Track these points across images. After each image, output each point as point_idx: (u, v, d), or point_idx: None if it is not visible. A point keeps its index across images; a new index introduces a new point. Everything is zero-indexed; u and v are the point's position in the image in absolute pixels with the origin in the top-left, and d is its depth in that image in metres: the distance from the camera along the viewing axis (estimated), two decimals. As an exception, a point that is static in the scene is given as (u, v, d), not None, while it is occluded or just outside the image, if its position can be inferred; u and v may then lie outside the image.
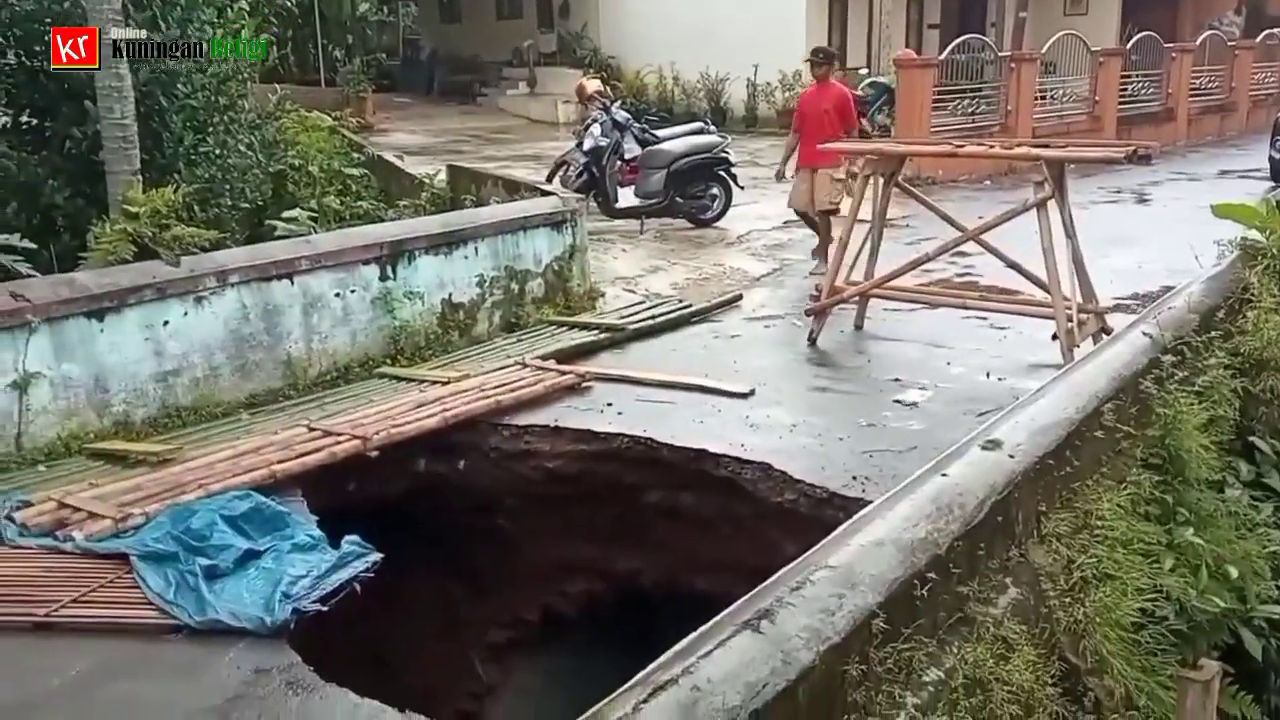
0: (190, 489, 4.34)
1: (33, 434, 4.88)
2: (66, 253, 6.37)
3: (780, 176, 8.99)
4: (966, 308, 6.75)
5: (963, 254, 7.65)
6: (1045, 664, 3.07)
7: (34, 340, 4.88)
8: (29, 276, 5.45)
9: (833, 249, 6.94)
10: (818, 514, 4.42)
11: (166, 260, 5.55)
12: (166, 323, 5.38)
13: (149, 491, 4.34)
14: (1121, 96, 16.19)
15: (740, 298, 7.77)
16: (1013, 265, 6.51)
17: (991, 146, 7.56)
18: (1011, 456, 3.36)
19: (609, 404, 5.50)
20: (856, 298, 6.84)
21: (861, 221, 6.70)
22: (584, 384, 5.77)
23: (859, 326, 6.97)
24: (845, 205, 7.75)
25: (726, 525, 4.89)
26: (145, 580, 3.71)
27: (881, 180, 6.60)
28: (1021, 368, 5.99)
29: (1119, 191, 12.18)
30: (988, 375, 5.90)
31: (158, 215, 6.00)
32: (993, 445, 3.40)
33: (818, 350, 6.60)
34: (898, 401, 5.54)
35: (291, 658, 3.35)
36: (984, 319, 6.86)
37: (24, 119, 7.27)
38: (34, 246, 5.84)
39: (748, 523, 4.78)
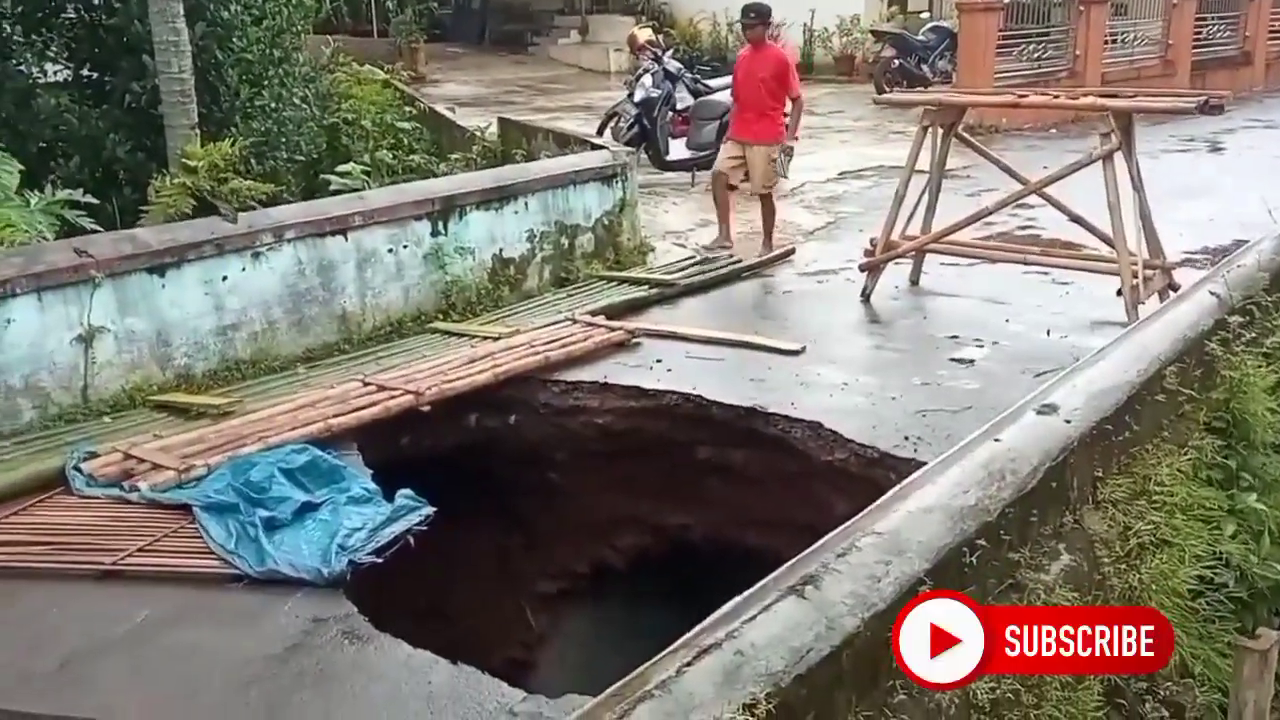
0: (250, 441, 4.45)
1: (98, 386, 5.03)
2: (128, 206, 6.49)
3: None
4: (1027, 263, 6.57)
5: (1025, 206, 7.43)
6: (1097, 632, 3.03)
7: (98, 295, 5.01)
8: (93, 232, 5.59)
9: (885, 210, 6.74)
10: (868, 473, 4.40)
11: (225, 216, 5.64)
12: (225, 278, 5.48)
13: (211, 444, 4.47)
14: (1196, 40, 15.47)
15: (793, 252, 7.66)
16: (1076, 219, 6.31)
17: (1056, 96, 7.29)
18: (1068, 421, 3.28)
19: (658, 360, 5.49)
20: (912, 252, 6.70)
21: (919, 172, 6.53)
22: (633, 340, 5.77)
23: (915, 282, 6.84)
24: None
25: (776, 483, 4.88)
26: (207, 530, 3.83)
27: (940, 131, 6.42)
28: (1083, 325, 5.84)
29: (1191, 140, 11.70)
30: (1048, 333, 5.75)
31: (215, 169, 6.09)
32: (1049, 410, 3.32)
33: (871, 306, 6.49)
34: (953, 360, 5.45)
35: (347, 608, 3.44)
36: (1045, 274, 6.68)
37: (85, 73, 7.40)
38: (96, 201, 5.98)
39: (798, 481, 4.77)
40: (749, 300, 6.70)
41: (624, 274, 7.05)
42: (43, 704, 2.99)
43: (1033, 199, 6.67)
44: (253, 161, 6.90)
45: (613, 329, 5.81)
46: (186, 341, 5.35)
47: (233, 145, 6.23)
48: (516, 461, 5.41)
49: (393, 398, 4.87)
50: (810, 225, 8.65)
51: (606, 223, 7.35)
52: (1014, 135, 11.74)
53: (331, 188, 7.09)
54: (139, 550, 3.74)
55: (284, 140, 7.56)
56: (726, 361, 5.47)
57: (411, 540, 3.82)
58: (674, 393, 5.09)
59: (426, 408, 4.90)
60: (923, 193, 6.51)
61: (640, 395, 5.15)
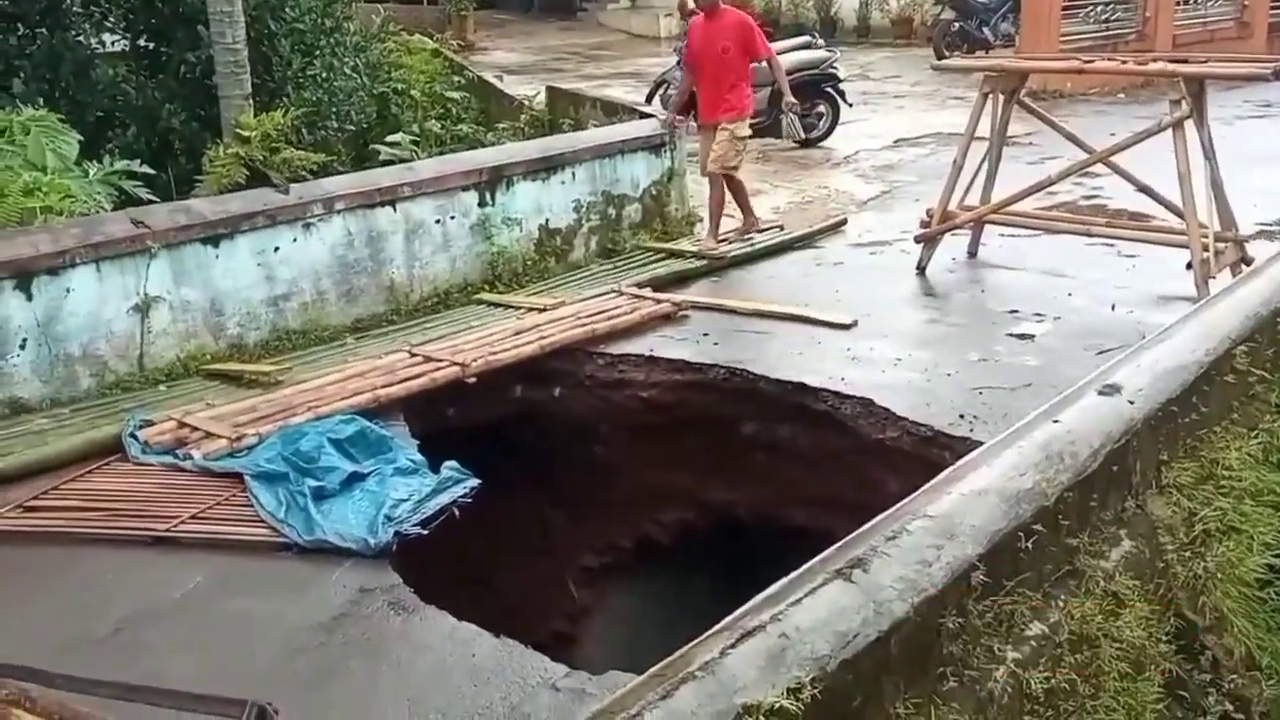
0: (300, 411, 4.50)
1: (154, 355, 5.13)
2: (183, 175, 6.59)
3: (671, 127, 7.18)
4: (1091, 235, 6.35)
5: (1090, 175, 7.17)
6: (1159, 620, 2.92)
7: (154, 266, 5.09)
8: (149, 202, 5.67)
9: (942, 179, 6.53)
10: (921, 452, 4.30)
11: (277, 187, 5.69)
12: (277, 249, 5.52)
13: (262, 413, 4.52)
14: (1275, -1, 14.80)
15: (845, 222, 7.51)
16: (1144, 189, 6.08)
17: (1124, 61, 7.00)
18: (1131, 402, 3.15)
19: (705, 334, 5.42)
20: (971, 223, 6.51)
21: (979, 140, 6.32)
22: (680, 313, 5.70)
23: (973, 254, 6.65)
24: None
25: (825, 460, 4.80)
26: (258, 499, 3.89)
27: (1002, 97, 6.20)
28: (1150, 299, 5.63)
29: (1267, 105, 11.19)
30: (1112, 307, 5.56)
31: (268, 139, 6.14)
32: (1111, 390, 3.19)
33: (927, 279, 6.33)
34: (1012, 335, 5.30)
35: (393, 579, 3.47)
36: (1111, 246, 6.44)
37: (141, 43, 7.50)
38: (153, 171, 6.06)
39: (847, 458, 4.69)
40: (799, 272, 6.58)
41: (671, 245, 6.97)
42: (97, 668, 3.03)
43: (1098, 168, 6.43)
44: (304, 131, 6.95)
45: (659, 301, 5.75)
46: (239, 311, 5.42)
47: (285, 115, 6.27)
48: (561, 434, 5.40)
49: (439, 369, 4.88)
50: (864, 195, 8.46)
51: (654, 193, 7.26)
52: (1080, 101, 11.36)
53: (381, 158, 7.12)
54: (192, 517, 3.80)
55: (335, 110, 7.60)
56: (775, 335, 5.39)
57: (456, 511, 3.84)
58: (721, 366, 5.03)
59: (472, 379, 4.90)
60: (982, 161, 6.31)
61: (686, 369, 5.10)
